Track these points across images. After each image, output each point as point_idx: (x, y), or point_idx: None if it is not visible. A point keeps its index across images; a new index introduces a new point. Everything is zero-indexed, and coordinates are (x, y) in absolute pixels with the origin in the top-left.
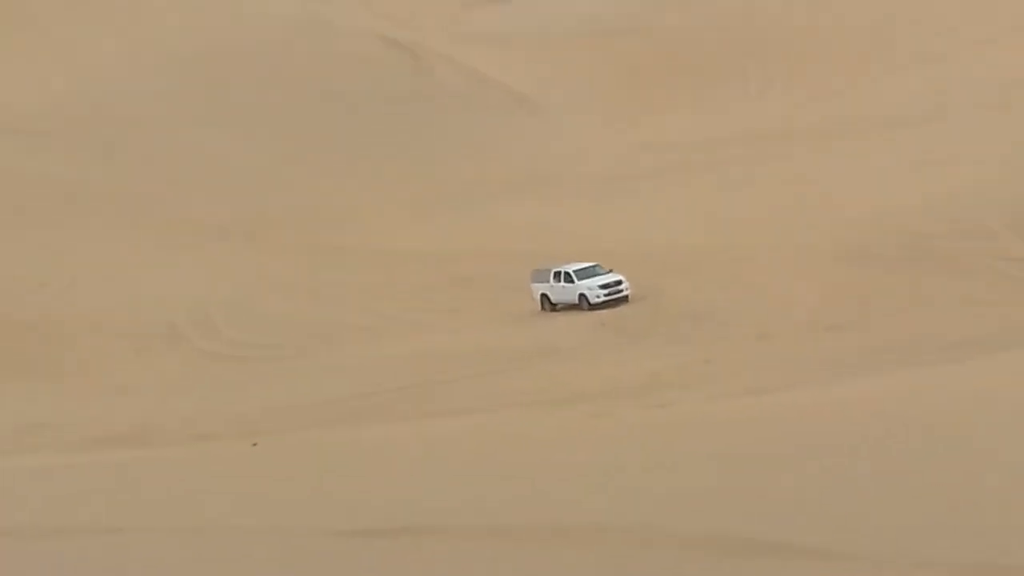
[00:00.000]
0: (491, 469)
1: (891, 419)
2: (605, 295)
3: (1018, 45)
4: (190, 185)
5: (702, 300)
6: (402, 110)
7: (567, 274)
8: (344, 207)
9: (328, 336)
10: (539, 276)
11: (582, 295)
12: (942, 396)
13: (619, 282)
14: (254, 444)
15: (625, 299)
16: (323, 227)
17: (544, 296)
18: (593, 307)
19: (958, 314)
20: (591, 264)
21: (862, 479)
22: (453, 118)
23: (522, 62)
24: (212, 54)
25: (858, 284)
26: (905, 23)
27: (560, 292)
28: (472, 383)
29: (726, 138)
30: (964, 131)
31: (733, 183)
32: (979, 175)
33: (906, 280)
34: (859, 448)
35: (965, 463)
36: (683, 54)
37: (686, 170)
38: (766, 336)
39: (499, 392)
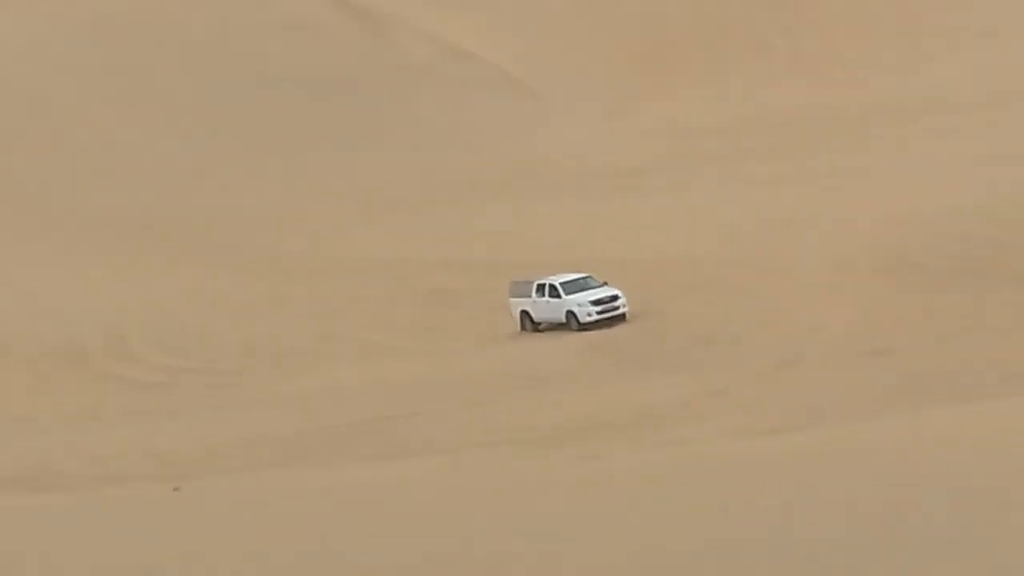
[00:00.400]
0: (457, 523)
1: (941, 466)
2: (597, 313)
3: None
4: (101, 179)
5: (714, 320)
6: (358, 91)
7: (553, 287)
8: (288, 207)
9: (268, 360)
10: (519, 289)
11: (570, 312)
12: (1004, 438)
13: (614, 297)
14: (176, 489)
15: (622, 318)
16: (262, 230)
17: (525, 313)
18: (583, 327)
19: (1020, 339)
20: (581, 275)
21: (901, 542)
22: (420, 101)
23: (505, 32)
24: (129, 23)
25: (902, 302)
26: None
27: (544, 309)
28: (439, 418)
29: (747, 126)
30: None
31: (755, 180)
32: None
33: (960, 297)
34: (901, 502)
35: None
36: (697, 25)
37: (699, 164)
38: (791, 364)
39: (470, 429)
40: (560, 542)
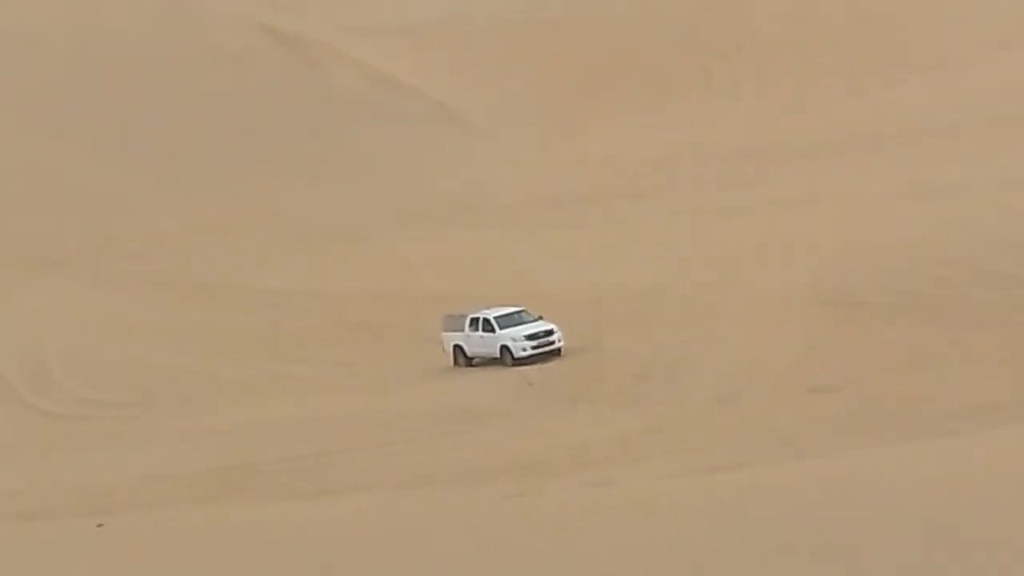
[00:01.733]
0: (386, 562)
1: (882, 504)
2: (532, 348)
3: None
4: (23, 204)
5: (653, 355)
6: (287, 119)
7: (487, 321)
8: (214, 235)
9: (193, 393)
10: (452, 323)
11: (504, 347)
12: (944, 477)
13: (550, 332)
14: (99, 525)
15: (557, 352)
16: (187, 259)
17: (458, 348)
18: (518, 362)
19: (965, 376)
20: (516, 309)
21: None
22: (350, 129)
23: (437, 59)
24: (54, 47)
25: (845, 336)
26: (905, 22)
27: (478, 343)
28: (369, 455)
29: (686, 156)
30: (975, 151)
31: (694, 211)
32: (993, 206)
33: (902, 333)
34: (842, 542)
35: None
36: (635, 51)
37: (636, 195)
38: (731, 400)
39: (402, 466)
40: None
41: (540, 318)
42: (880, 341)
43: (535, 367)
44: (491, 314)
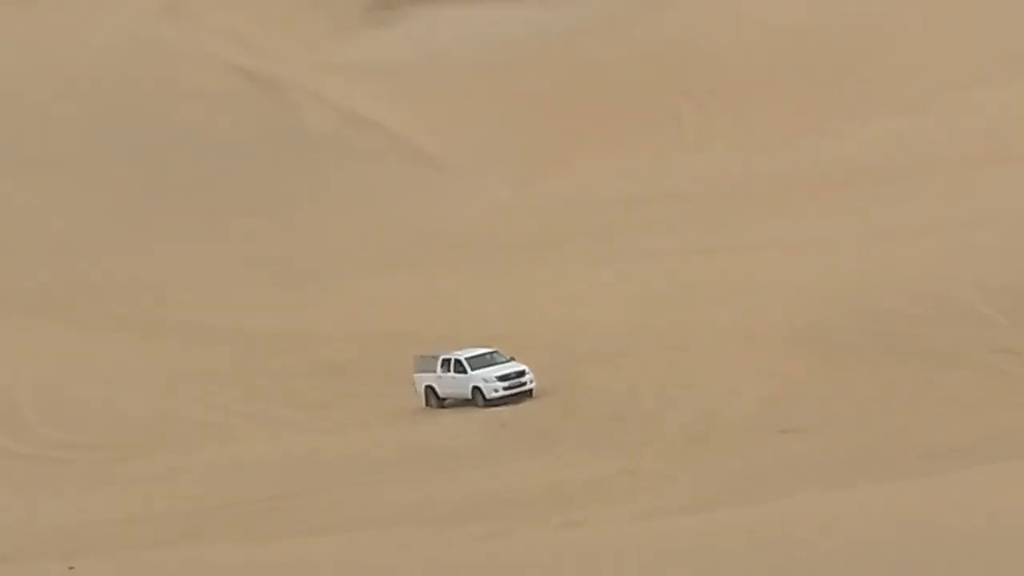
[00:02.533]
0: None
1: (853, 546)
2: (504, 388)
3: (1006, 89)
4: None
5: (624, 395)
6: (261, 158)
7: (458, 362)
8: (185, 275)
9: (165, 435)
10: (424, 364)
11: (476, 388)
12: (918, 517)
13: (521, 372)
14: (71, 568)
15: (529, 393)
16: (159, 299)
17: (430, 389)
18: (489, 403)
19: (938, 417)
20: (488, 350)
21: None
22: (324, 168)
23: (408, 100)
24: (21, 85)
25: (815, 377)
26: (874, 63)
27: (449, 384)
28: (341, 495)
29: (656, 197)
30: (946, 190)
31: (664, 252)
32: (966, 245)
33: (875, 373)
34: None
35: None
36: (605, 92)
37: (607, 235)
38: (701, 440)
39: (374, 507)
40: None
41: (512, 359)
42: (852, 381)
43: (507, 408)
44: (463, 355)
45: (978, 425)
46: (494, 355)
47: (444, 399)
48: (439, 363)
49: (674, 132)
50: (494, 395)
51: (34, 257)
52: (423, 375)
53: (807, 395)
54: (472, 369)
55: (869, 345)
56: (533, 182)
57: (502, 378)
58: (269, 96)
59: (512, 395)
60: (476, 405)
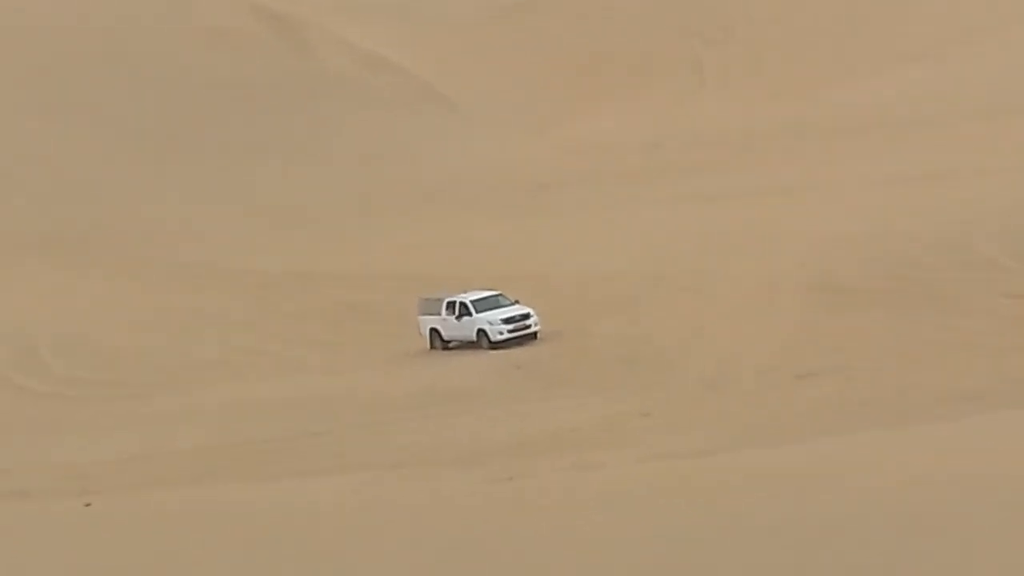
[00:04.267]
0: (371, 543)
1: (869, 491)
2: (509, 331)
3: (1021, 38)
4: (6, 190)
5: (639, 339)
6: (277, 100)
7: (463, 304)
8: (199, 217)
9: (178, 374)
10: (429, 306)
11: (481, 331)
12: (931, 463)
13: (526, 315)
14: (87, 504)
15: (533, 336)
16: (173, 241)
17: (434, 331)
18: (494, 345)
19: (953, 362)
20: (493, 293)
21: (826, 567)
22: (339, 111)
23: (427, 44)
24: (42, 30)
25: (832, 323)
26: (890, 11)
27: (454, 327)
28: (352, 436)
29: (672, 142)
30: (960, 138)
31: (680, 197)
32: (980, 194)
33: (890, 319)
34: (827, 527)
35: (954, 550)
36: (622, 38)
37: (623, 180)
38: (718, 385)
39: (385, 448)
40: (471, 563)
41: (516, 302)
42: (866, 328)
43: (522, 349)
44: (468, 298)
45: (992, 371)
46: (499, 298)
47: (448, 341)
48: (444, 306)
49: (691, 78)
50: (499, 338)
51: (46, 200)
52: (428, 317)
53: (822, 341)
54: (477, 312)
55: (883, 291)
56: (549, 126)
57: (507, 320)
58: (285, 37)
59: (517, 338)
60: (481, 347)
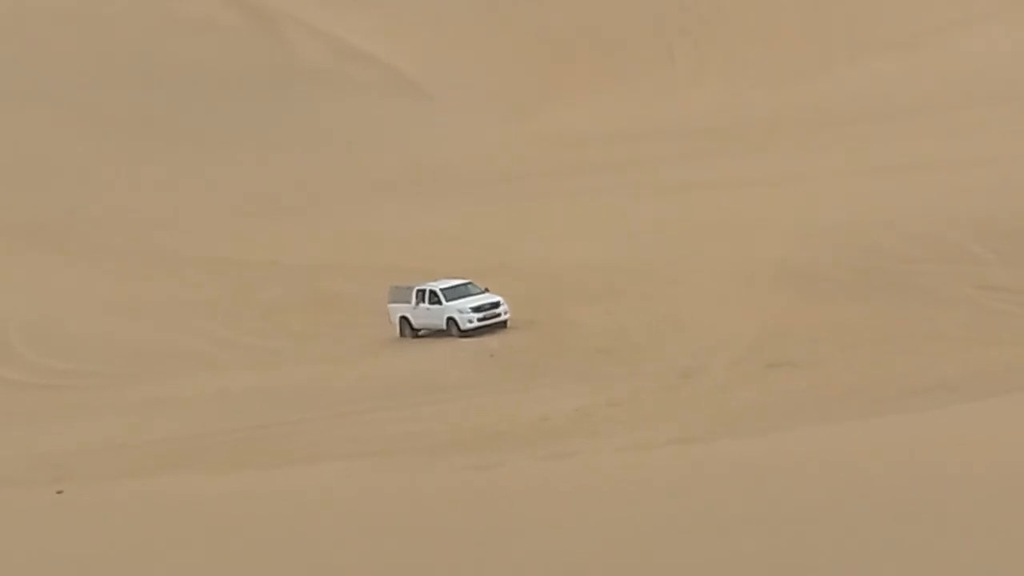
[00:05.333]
0: (346, 532)
1: (839, 480)
2: (479, 320)
3: (999, 29)
4: None
5: (614, 329)
6: (252, 90)
7: (433, 293)
8: (174, 206)
9: (152, 363)
10: (398, 295)
11: (451, 319)
12: (902, 453)
13: (496, 304)
14: (59, 492)
15: (503, 325)
16: (147, 230)
17: (404, 319)
18: (464, 334)
19: (926, 353)
20: (462, 282)
21: (797, 557)
22: (314, 101)
23: (401, 34)
24: (11, 16)
25: (806, 314)
26: (868, 2)
27: (424, 315)
28: (327, 425)
29: (648, 133)
30: (939, 130)
31: (655, 187)
32: (956, 184)
33: (863, 310)
34: (798, 515)
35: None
36: (597, 28)
37: (598, 170)
38: (691, 374)
39: (363, 436)
40: (446, 551)
41: (486, 290)
42: (841, 318)
43: (496, 337)
44: (438, 286)
45: (967, 362)
46: (469, 286)
47: (418, 330)
48: (414, 294)
49: (667, 68)
50: (468, 326)
51: (20, 187)
52: (398, 306)
53: (797, 331)
54: (447, 300)
55: (859, 282)
56: (524, 116)
57: (477, 309)
58: (260, 27)
59: (486, 326)
60: (451, 335)
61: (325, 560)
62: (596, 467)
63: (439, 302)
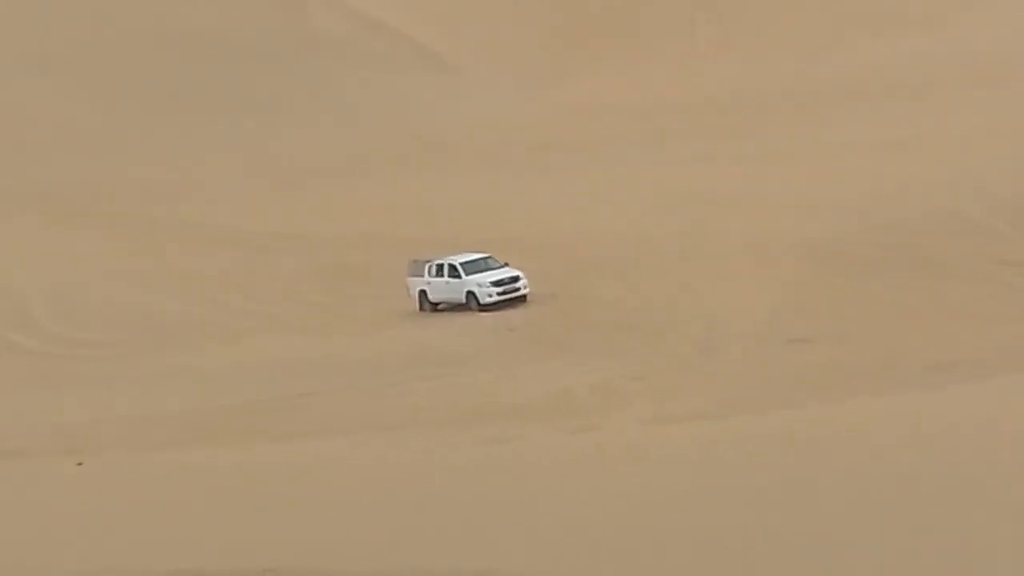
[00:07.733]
0: (365, 505)
1: (859, 455)
2: (498, 294)
3: (1018, 5)
4: (4, 144)
5: (633, 303)
6: (270, 60)
7: (452, 267)
8: (191, 177)
9: (171, 334)
10: (417, 268)
11: (470, 293)
12: (921, 428)
13: (515, 278)
14: (79, 464)
15: (523, 299)
16: (169, 200)
17: (423, 293)
18: (483, 308)
19: (945, 329)
20: (482, 255)
21: (815, 530)
22: (332, 72)
23: (422, 4)
24: None
25: (826, 288)
26: None
27: (443, 289)
28: (346, 397)
29: (668, 105)
30: (961, 106)
31: (675, 160)
32: (976, 160)
33: (883, 285)
34: (817, 491)
35: (946, 512)
36: (621, 2)
37: (619, 143)
38: (711, 350)
39: (379, 409)
40: (464, 522)
41: (506, 264)
42: (860, 292)
43: (516, 311)
44: (457, 260)
45: (985, 337)
46: (488, 260)
47: (437, 304)
48: (433, 268)
49: (687, 41)
50: (488, 300)
51: (39, 157)
52: (417, 279)
53: (816, 306)
54: (467, 274)
55: (878, 257)
56: (544, 88)
57: (496, 283)
58: None
59: (506, 300)
60: (470, 310)
61: (341, 530)
62: (618, 441)
63: (459, 276)
